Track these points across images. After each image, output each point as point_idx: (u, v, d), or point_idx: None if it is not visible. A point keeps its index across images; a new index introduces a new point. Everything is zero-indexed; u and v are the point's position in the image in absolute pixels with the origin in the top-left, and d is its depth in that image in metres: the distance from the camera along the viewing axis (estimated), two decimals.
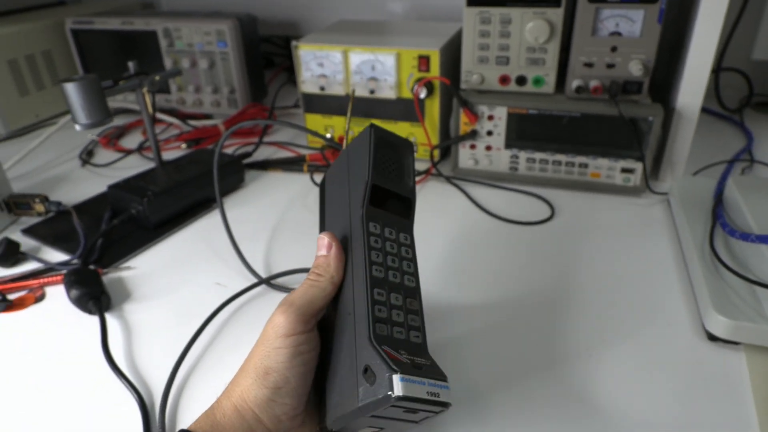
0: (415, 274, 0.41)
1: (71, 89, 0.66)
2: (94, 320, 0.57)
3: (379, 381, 0.33)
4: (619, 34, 0.71)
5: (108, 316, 0.59)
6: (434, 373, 0.35)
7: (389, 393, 0.32)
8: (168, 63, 1.05)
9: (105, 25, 1.05)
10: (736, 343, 0.52)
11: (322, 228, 0.48)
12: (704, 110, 0.75)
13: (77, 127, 0.68)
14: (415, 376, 0.33)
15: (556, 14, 0.72)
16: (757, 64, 1.02)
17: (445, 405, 0.34)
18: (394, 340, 0.36)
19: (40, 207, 0.77)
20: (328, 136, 0.93)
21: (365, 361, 0.35)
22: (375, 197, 0.42)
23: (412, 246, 0.42)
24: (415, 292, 0.40)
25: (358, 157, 0.44)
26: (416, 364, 0.35)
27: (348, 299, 0.39)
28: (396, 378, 0.33)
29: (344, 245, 0.42)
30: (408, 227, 0.43)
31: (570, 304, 0.58)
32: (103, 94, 0.68)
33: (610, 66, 0.73)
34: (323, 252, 0.42)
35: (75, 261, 0.67)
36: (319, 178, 0.86)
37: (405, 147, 0.45)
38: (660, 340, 0.53)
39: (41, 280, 0.64)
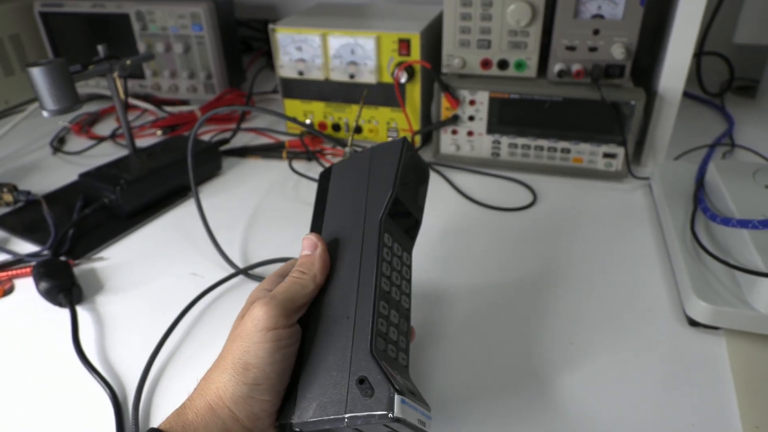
0: (410, 297, 0.41)
1: (37, 74, 0.63)
2: (65, 313, 0.56)
3: (377, 396, 0.32)
4: (601, 16, 0.70)
5: (79, 309, 0.57)
6: (422, 401, 0.35)
7: (387, 412, 0.31)
8: (142, 47, 1.01)
9: (75, 7, 1.01)
10: (716, 328, 0.52)
11: (317, 216, 0.46)
12: (685, 94, 0.75)
13: (45, 114, 0.66)
14: (411, 400, 0.33)
15: None
16: (738, 48, 1.01)
17: None
18: (388, 359, 0.36)
19: (8, 197, 0.74)
20: (308, 122, 0.91)
21: (362, 372, 0.34)
22: (398, 212, 0.42)
23: (410, 268, 0.43)
24: (407, 314, 0.40)
25: (383, 164, 0.44)
26: (409, 388, 0.34)
27: (346, 302, 0.38)
28: (397, 399, 0.32)
29: (340, 245, 0.41)
30: (410, 248, 0.44)
31: (552, 291, 0.58)
32: (72, 79, 0.66)
33: (593, 49, 0.72)
34: (307, 252, 0.41)
35: (45, 252, 0.65)
36: (298, 165, 0.85)
37: (425, 172, 0.46)
38: (641, 325, 0.53)
39: (9, 273, 0.61)
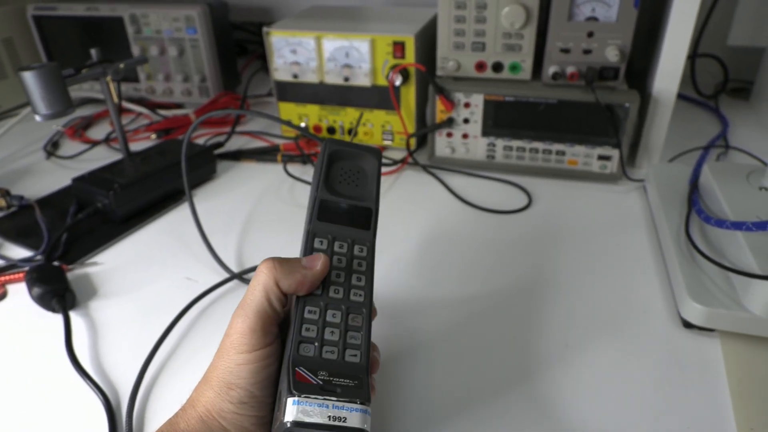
0: (366, 288, 0.39)
1: (30, 78, 0.63)
2: (58, 319, 0.55)
3: (283, 403, 0.32)
4: (595, 19, 0.70)
5: (73, 315, 0.56)
6: (351, 394, 0.33)
7: (285, 420, 0.31)
8: (136, 50, 1.01)
9: (69, 11, 1.01)
10: (711, 330, 0.52)
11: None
12: (680, 96, 0.75)
13: (37, 118, 0.65)
14: (316, 398, 0.32)
15: None
16: (732, 50, 1.02)
17: (354, 430, 0.31)
18: (321, 361, 0.34)
19: (1, 201, 0.74)
20: (303, 125, 0.91)
21: (280, 385, 0.34)
22: (330, 211, 0.41)
23: (367, 258, 0.40)
24: (360, 307, 0.38)
25: (315, 172, 0.43)
26: (331, 385, 0.33)
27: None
28: (289, 402, 0.31)
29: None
30: (366, 238, 0.41)
31: (546, 293, 0.58)
32: (64, 83, 0.65)
33: (587, 52, 0.72)
34: (306, 262, 0.38)
35: (38, 257, 0.64)
36: (293, 168, 0.84)
37: (368, 155, 0.44)
38: (635, 327, 0.53)
39: (2, 278, 0.61)
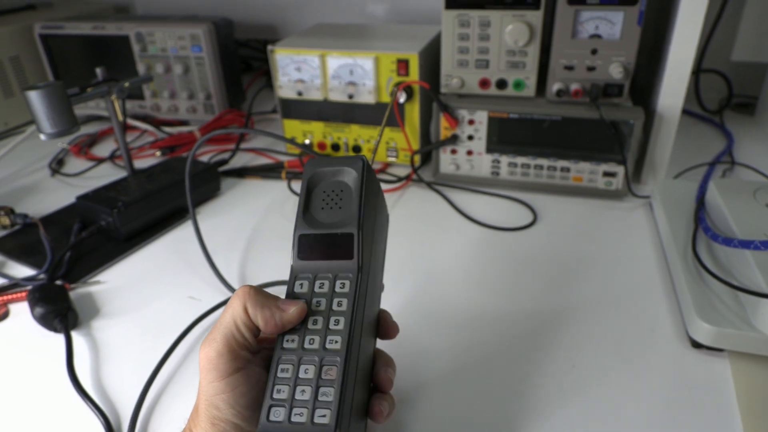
0: (345, 332, 0.35)
1: (35, 97, 0.63)
2: (60, 339, 0.55)
3: None
4: (599, 36, 0.70)
5: (75, 334, 0.56)
6: None
7: None
8: (141, 68, 1.02)
9: (75, 29, 1.02)
10: (720, 350, 0.51)
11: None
12: (684, 112, 0.74)
13: (42, 137, 0.66)
14: None
15: (536, 17, 0.71)
16: (736, 66, 1.02)
17: None
18: (289, 426, 0.32)
19: (5, 220, 0.74)
20: (307, 142, 0.91)
21: None
22: (309, 247, 0.37)
23: (350, 294, 0.36)
24: (335, 356, 0.34)
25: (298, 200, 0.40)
26: None
27: None
28: None
29: None
30: (349, 269, 0.37)
31: (552, 312, 0.57)
32: (69, 102, 0.66)
33: (591, 69, 0.72)
34: (283, 305, 0.36)
35: (41, 276, 0.64)
36: (297, 185, 0.84)
37: (349, 168, 0.39)
38: (643, 347, 0.52)
39: (4, 298, 0.61)
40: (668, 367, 0.50)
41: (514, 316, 0.57)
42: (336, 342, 0.34)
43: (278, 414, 0.33)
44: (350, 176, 0.39)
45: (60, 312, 0.56)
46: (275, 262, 0.67)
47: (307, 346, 0.35)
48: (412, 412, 0.46)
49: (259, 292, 0.36)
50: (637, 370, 0.50)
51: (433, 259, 0.66)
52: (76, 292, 0.63)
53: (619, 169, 0.75)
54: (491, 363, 0.51)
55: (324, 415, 0.32)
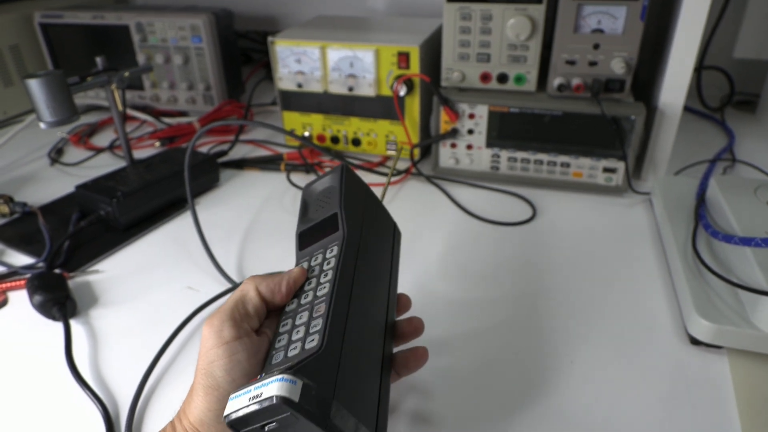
0: (333, 279, 0.38)
1: (35, 86, 0.63)
2: (59, 327, 0.55)
3: None
4: (601, 31, 0.70)
5: (73, 323, 0.56)
6: (274, 372, 0.31)
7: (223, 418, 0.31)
8: (141, 58, 1.01)
9: (75, 19, 1.01)
10: (718, 347, 0.51)
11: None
12: (685, 109, 0.74)
13: (42, 125, 0.65)
14: (242, 388, 0.31)
15: (538, 11, 0.71)
16: (738, 63, 1.02)
17: (274, 400, 0.29)
18: (285, 361, 0.34)
19: (4, 208, 0.74)
20: (306, 134, 0.90)
21: None
22: (307, 238, 0.44)
23: (337, 254, 0.40)
24: (324, 297, 0.37)
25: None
26: (270, 374, 0.31)
27: None
28: (228, 402, 0.31)
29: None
30: (336, 238, 0.42)
31: (551, 307, 0.57)
32: (69, 91, 0.65)
33: (593, 64, 0.71)
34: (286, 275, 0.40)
35: (40, 264, 0.64)
36: (296, 177, 0.84)
37: (333, 174, 0.46)
38: (642, 343, 0.52)
39: (3, 285, 0.61)
40: (666, 364, 0.50)
41: (512, 311, 0.57)
42: (325, 287, 0.38)
43: (278, 356, 0.34)
44: (333, 179, 0.46)
45: (59, 300, 0.56)
46: (273, 253, 0.67)
47: (302, 301, 0.38)
48: (403, 405, 0.47)
49: (265, 275, 0.40)
50: (636, 366, 0.50)
51: (431, 253, 0.66)
52: (74, 281, 0.62)
53: (620, 165, 0.75)
54: (489, 358, 0.51)
55: (312, 340, 0.34)
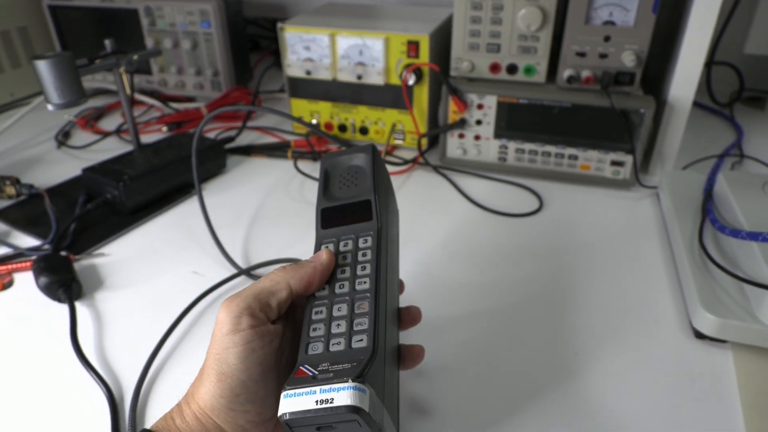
0: (373, 274, 0.38)
1: (43, 67, 0.63)
2: (64, 309, 0.55)
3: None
4: (612, 23, 0.69)
5: (78, 305, 0.56)
6: (343, 375, 0.31)
7: (280, 415, 0.31)
8: (150, 43, 1.01)
9: (84, 1, 1.01)
10: (723, 342, 0.51)
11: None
12: (694, 104, 0.74)
13: (49, 107, 0.65)
14: (305, 386, 0.31)
15: (549, 1, 0.70)
16: (748, 59, 1.01)
17: (346, 409, 0.29)
18: (327, 355, 0.34)
19: (11, 190, 0.74)
20: (314, 122, 0.90)
21: None
22: (332, 217, 0.42)
23: (373, 246, 0.40)
24: (365, 293, 0.37)
25: (318, 189, 0.45)
26: (327, 373, 0.32)
27: None
28: (282, 396, 0.31)
29: None
30: (369, 228, 0.41)
31: (556, 300, 0.57)
32: (78, 73, 0.65)
33: (603, 56, 0.71)
34: (310, 258, 0.39)
35: (46, 247, 0.64)
36: (303, 165, 0.84)
37: (361, 154, 0.45)
38: (646, 336, 0.52)
39: (9, 267, 0.61)
40: (670, 357, 0.50)
41: (515, 303, 0.57)
42: (365, 282, 0.37)
43: (316, 347, 0.34)
44: (362, 159, 0.44)
45: (64, 282, 0.56)
46: (279, 239, 0.67)
47: (338, 291, 0.38)
48: (406, 394, 0.47)
49: (293, 264, 0.39)
50: (640, 359, 0.50)
51: (436, 243, 0.66)
52: (80, 264, 0.63)
53: (628, 159, 0.74)
54: (492, 347, 0.51)
55: (361, 339, 0.34)
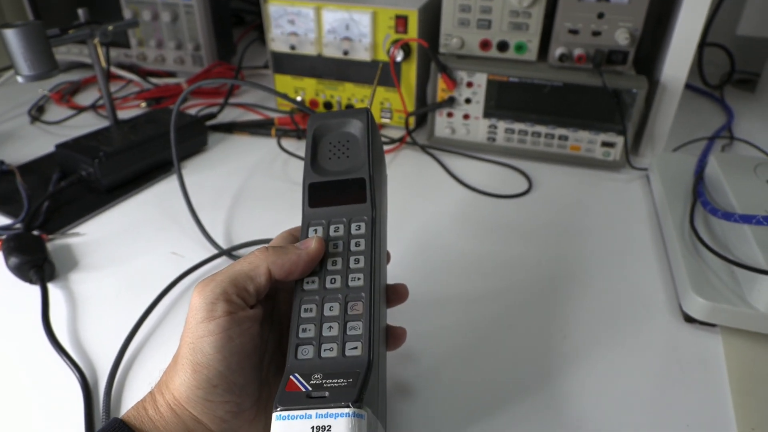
0: (367, 270, 0.35)
1: (11, 36, 0.60)
2: (36, 291, 0.53)
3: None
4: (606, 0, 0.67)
5: (51, 287, 0.54)
6: (340, 397, 0.29)
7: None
8: (128, 15, 0.97)
9: None
10: (713, 326, 0.50)
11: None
12: (685, 85, 0.72)
13: (19, 79, 0.62)
14: (300, 409, 0.29)
15: None
16: (740, 40, 1.00)
17: None
18: (319, 362, 0.32)
19: None
20: (299, 99, 0.88)
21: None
22: (321, 194, 0.38)
23: (366, 235, 0.37)
24: (359, 292, 0.34)
25: (305, 155, 0.40)
26: (321, 389, 0.30)
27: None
28: (273, 417, 0.29)
29: None
30: (363, 211, 0.37)
31: (545, 282, 0.56)
32: (49, 43, 0.62)
33: (596, 34, 0.69)
34: (298, 244, 0.36)
35: (17, 226, 0.62)
36: (287, 143, 0.82)
37: (354, 120, 0.39)
38: (636, 320, 0.51)
39: None
40: (660, 341, 0.49)
41: (505, 285, 0.56)
42: (359, 279, 0.35)
43: (306, 351, 0.32)
44: (356, 127, 0.39)
45: (36, 263, 0.54)
46: (262, 219, 0.65)
47: (329, 286, 0.35)
48: (395, 377, 0.46)
49: (276, 246, 0.36)
50: (629, 342, 0.49)
51: (424, 224, 0.64)
52: (53, 244, 0.60)
53: (618, 140, 0.73)
54: (478, 331, 0.50)
55: (355, 347, 0.32)
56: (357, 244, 0.36)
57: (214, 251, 0.59)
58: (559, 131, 0.75)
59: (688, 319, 0.51)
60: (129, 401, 0.43)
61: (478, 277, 0.57)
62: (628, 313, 0.52)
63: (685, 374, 0.46)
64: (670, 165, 0.69)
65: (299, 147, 0.81)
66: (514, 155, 0.78)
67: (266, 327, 0.36)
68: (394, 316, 0.44)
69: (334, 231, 0.37)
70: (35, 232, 0.60)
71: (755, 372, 0.47)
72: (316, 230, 0.37)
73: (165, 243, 0.61)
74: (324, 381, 0.30)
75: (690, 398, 0.44)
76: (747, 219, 0.50)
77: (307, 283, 0.35)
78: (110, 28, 0.70)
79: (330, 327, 0.33)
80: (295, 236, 0.39)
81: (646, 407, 0.43)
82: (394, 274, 0.57)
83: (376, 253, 0.36)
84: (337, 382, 0.30)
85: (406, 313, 0.46)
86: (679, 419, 0.42)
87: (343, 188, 0.38)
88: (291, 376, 0.31)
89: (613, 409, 0.43)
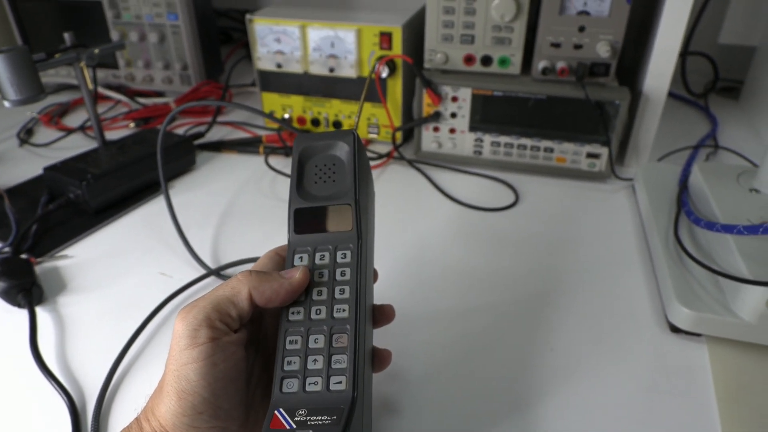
0: (352, 300, 0.35)
1: None
2: (24, 315, 0.53)
3: None
4: (587, 13, 0.68)
5: (39, 310, 0.54)
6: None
7: None
8: (115, 36, 0.98)
9: None
10: (698, 335, 0.51)
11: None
12: (669, 94, 0.73)
13: (6, 104, 0.62)
14: None
15: None
16: (723, 49, 1.01)
17: None
18: (303, 396, 0.32)
19: None
20: (286, 116, 0.88)
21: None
22: (306, 220, 0.38)
23: (352, 264, 0.36)
24: (344, 324, 0.34)
25: (291, 177, 0.40)
26: (306, 426, 0.30)
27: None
28: None
29: None
30: (349, 239, 0.37)
31: (531, 294, 0.56)
32: (35, 67, 0.62)
33: (578, 47, 0.70)
34: (284, 273, 0.36)
35: (5, 249, 0.62)
36: (275, 160, 0.82)
37: (340, 142, 0.39)
38: (622, 330, 0.52)
39: None
40: (646, 351, 0.50)
41: (492, 298, 0.56)
42: (344, 310, 0.34)
43: (291, 385, 0.32)
44: (342, 150, 0.39)
45: (24, 287, 0.54)
46: (250, 238, 0.65)
47: (314, 317, 0.35)
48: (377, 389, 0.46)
49: (259, 272, 0.36)
50: (615, 353, 0.49)
51: (412, 239, 0.65)
52: (42, 267, 0.60)
53: (603, 151, 0.74)
54: (464, 343, 0.50)
55: (340, 382, 0.32)
56: (342, 274, 0.36)
57: (203, 271, 0.59)
58: (545, 143, 0.75)
59: (674, 329, 0.51)
60: (117, 425, 0.43)
61: (466, 291, 0.57)
62: (614, 323, 0.53)
63: (671, 384, 0.46)
64: (655, 175, 0.70)
65: (287, 164, 0.81)
66: (500, 168, 0.79)
67: (251, 350, 0.36)
68: (382, 330, 0.44)
69: (320, 259, 0.37)
70: (23, 256, 0.60)
71: (741, 381, 0.47)
72: (302, 258, 0.37)
73: (153, 264, 0.61)
74: (308, 418, 0.30)
75: (676, 408, 0.44)
76: (728, 229, 0.51)
77: (293, 313, 0.35)
78: (96, 51, 0.70)
79: (315, 360, 0.33)
80: (281, 256, 0.39)
81: (632, 417, 0.44)
82: (381, 289, 0.57)
83: (362, 282, 0.36)
84: (321, 420, 0.30)
85: (394, 327, 0.46)
86: (665, 428, 0.43)
87: (328, 215, 0.38)
88: (276, 412, 0.31)
89: (600, 420, 0.43)
